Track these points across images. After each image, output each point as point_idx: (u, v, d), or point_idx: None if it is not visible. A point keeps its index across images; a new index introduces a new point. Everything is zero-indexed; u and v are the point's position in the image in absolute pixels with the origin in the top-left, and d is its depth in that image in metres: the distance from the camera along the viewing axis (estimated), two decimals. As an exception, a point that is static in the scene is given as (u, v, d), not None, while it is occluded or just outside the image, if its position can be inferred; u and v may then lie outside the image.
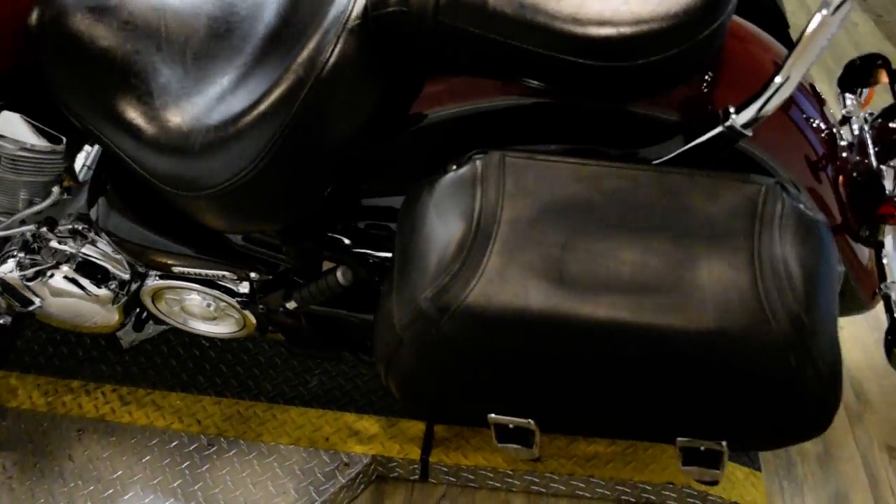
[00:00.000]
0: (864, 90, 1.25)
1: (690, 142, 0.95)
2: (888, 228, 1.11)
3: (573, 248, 0.88)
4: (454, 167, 0.95)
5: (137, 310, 1.39)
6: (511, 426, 0.98)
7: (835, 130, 1.12)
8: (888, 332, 1.05)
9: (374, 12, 0.92)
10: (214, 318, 1.34)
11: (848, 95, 1.26)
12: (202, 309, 1.32)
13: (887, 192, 1.06)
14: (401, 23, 0.91)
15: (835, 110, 1.22)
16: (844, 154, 1.13)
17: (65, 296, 1.30)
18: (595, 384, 0.90)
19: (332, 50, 0.94)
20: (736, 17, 1.04)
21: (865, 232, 1.14)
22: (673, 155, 0.96)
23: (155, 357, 1.59)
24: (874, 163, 1.08)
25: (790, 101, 1.07)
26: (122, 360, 1.58)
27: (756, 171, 1.00)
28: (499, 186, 0.91)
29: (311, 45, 0.95)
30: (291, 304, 1.18)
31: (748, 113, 0.90)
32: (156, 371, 1.57)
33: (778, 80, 0.87)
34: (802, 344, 0.85)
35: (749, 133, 0.91)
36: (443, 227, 0.90)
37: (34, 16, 1.05)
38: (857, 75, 1.24)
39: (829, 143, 1.09)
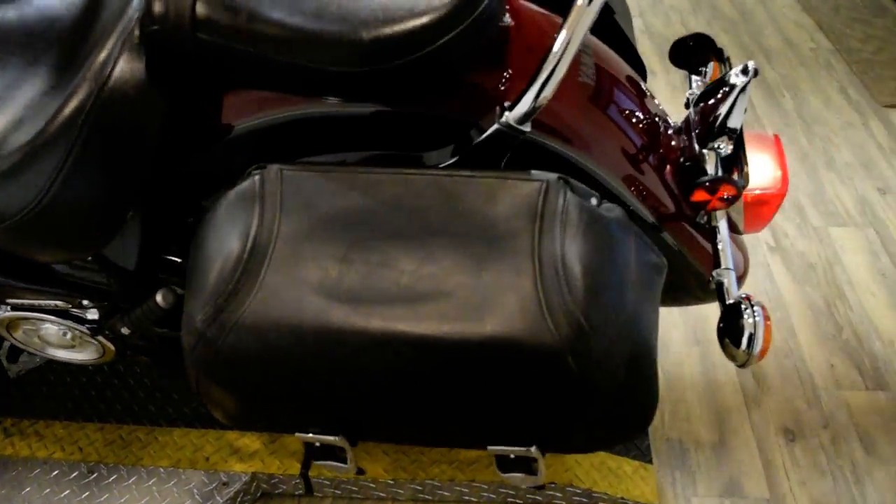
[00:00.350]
0: (709, 70, 1.22)
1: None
2: (719, 214, 1.08)
3: (351, 259, 0.86)
4: (238, 183, 0.93)
5: (6, 341, 1.37)
6: (318, 444, 0.96)
7: (657, 119, 1.09)
8: (720, 320, 1.02)
9: (142, 31, 0.90)
10: (73, 346, 1.33)
11: (694, 77, 1.24)
12: (58, 337, 1.30)
13: (706, 176, 1.03)
14: (164, 40, 0.89)
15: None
16: (673, 141, 1.10)
17: (-78, 332, 1.29)
18: (386, 395, 0.87)
19: (111, 70, 0.92)
20: (532, 5, 1.01)
21: (703, 218, 1.11)
22: (457, 158, 0.93)
23: (41, 386, 1.58)
24: (696, 147, 1.06)
25: (608, 99, 1.04)
26: (8, 392, 1.57)
27: (571, 171, 0.97)
28: (275, 201, 0.89)
29: (94, 66, 0.94)
30: (125, 330, 1.16)
31: (521, 107, 0.87)
32: (41, 400, 1.55)
33: (544, 72, 0.85)
34: (582, 346, 0.82)
35: (526, 128, 0.89)
36: (219, 246, 0.88)
37: None
38: (694, 56, 1.21)
39: (649, 133, 1.07)
